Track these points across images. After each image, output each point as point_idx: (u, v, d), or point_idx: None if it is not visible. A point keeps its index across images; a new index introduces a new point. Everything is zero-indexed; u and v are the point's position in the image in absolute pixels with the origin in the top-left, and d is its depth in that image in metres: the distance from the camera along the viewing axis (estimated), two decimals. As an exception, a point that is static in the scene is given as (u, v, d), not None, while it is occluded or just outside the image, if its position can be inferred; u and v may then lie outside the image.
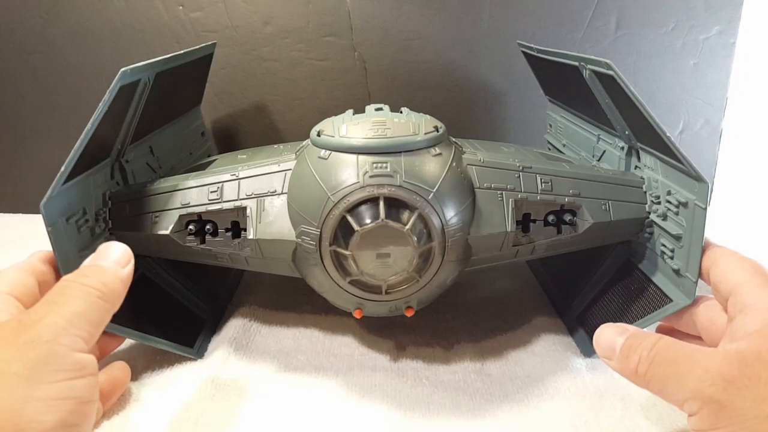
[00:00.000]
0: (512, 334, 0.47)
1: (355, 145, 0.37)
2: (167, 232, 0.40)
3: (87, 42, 0.68)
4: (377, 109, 0.42)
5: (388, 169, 0.36)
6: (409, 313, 0.41)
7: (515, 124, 0.71)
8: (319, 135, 0.39)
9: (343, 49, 0.68)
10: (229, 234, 0.40)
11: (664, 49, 0.67)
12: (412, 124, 0.38)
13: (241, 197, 0.40)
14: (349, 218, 0.35)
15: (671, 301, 0.38)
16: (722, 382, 0.27)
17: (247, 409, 0.38)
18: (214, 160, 0.52)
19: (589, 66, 0.41)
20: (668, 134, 0.35)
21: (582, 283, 0.48)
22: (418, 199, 0.36)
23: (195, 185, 0.41)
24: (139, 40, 0.68)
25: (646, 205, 0.41)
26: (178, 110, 0.57)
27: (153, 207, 0.41)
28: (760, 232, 0.69)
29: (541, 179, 0.40)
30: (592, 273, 0.47)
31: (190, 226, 0.40)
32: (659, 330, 0.40)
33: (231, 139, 0.73)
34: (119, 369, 0.38)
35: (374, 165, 0.36)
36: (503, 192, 0.39)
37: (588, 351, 0.43)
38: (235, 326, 0.48)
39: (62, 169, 0.33)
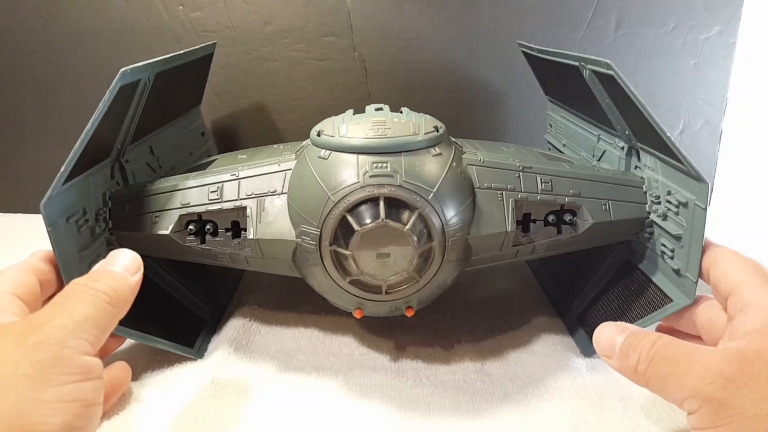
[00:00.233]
0: (512, 334, 0.47)
1: (355, 145, 0.37)
2: (167, 232, 0.40)
3: (87, 42, 0.68)
4: (377, 109, 0.42)
5: (388, 169, 0.36)
6: (409, 313, 0.41)
7: (515, 124, 0.71)
8: (319, 135, 0.39)
9: (343, 49, 0.68)
10: (229, 234, 0.40)
11: (664, 49, 0.67)
12: (412, 124, 0.38)
13: (241, 197, 0.40)
14: (349, 218, 0.35)
15: (671, 301, 0.38)
16: (722, 381, 0.27)
17: (247, 409, 0.38)
18: (214, 160, 0.52)
19: (589, 66, 0.41)
20: (668, 134, 0.35)
21: (582, 283, 0.48)
22: (418, 199, 0.36)
23: (195, 185, 0.41)
24: (139, 40, 0.68)
25: (646, 205, 0.41)
26: (178, 110, 0.57)
27: (153, 207, 0.41)
28: (760, 232, 0.69)
29: (541, 179, 0.40)
30: (592, 273, 0.47)
31: (190, 226, 0.40)
32: (659, 330, 0.40)
33: (231, 139, 0.73)
34: (120, 369, 0.38)
35: (374, 165, 0.36)
36: (503, 192, 0.39)
37: (588, 351, 0.43)
38: (235, 326, 0.48)
39: (62, 169, 0.33)
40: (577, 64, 0.44)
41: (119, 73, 0.36)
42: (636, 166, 0.44)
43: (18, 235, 0.66)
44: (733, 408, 0.26)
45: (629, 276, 0.43)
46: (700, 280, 0.36)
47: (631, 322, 0.38)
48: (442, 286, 0.40)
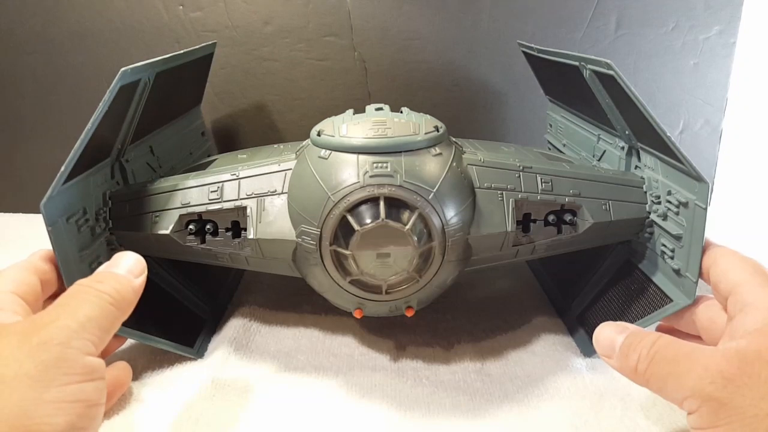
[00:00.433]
0: (512, 334, 0.47)
1: (355, 145, 0.37)
2: (167, 231, 0.40)
3: (87, 42, 0.68)
4: (377, 109, 0.42)
5: (389, 169, 0.36)
6: (409, 313, 0.41)
7: (515, 124, 0.71)
8: (319, 135, 0.39)
9: (343, 49, 0.68)
10: (230, 234, 0.40)
11: (664, 49, 0.67)
12: (413, 124, 0.38)
13: (241, 197, 0.40)
14: (350, 218, 0.35)
15: (671, 300, 0.38)
16: (722, 380, 0.27)
17: (247, 409, 0.38)
18: (214, 159, 0.52)
19: (590, 66, 0.41)
20: (668, 134, 0.35)
21: (582, 283, 0.48)
22: (418, 198, 0.36)
23: (195, 185, 0.41)
24: (139, 40, 0.68)
25: (647, 205, 0.41)
26: (178, 110, 0.57)
27: (153, 207, 0.41)
28: (760, 232, 0.69)
29: (541, 179, 0.40)
30: (592, 273, 0.47)
31: (191, 226, 0.40)
32: (659, 329, 0.40)
33: (231, 139, 0.73)
34: (121, 369, 0.38)
35: (374, 165, 0.36)
36: (503, 192, 0.39)
37: (588, 351, 0.43)
38: (235, 326, 0.48)
39: (62, 168, 0.33)
40: (577, 64, 0.44)
41: (119, 73, 0.36)
42: (636, 166, 0.44)
43: (18, 235, 0.66)
44: (733, 408, 0.26)
45: (629, 276, 0.43)
46: (700, 280, 0.36)
47: (631, 322, 0.38)
48: (442, 286, 0.40)
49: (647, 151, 0.41)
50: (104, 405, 0.28)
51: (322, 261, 0.37)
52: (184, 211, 0.40)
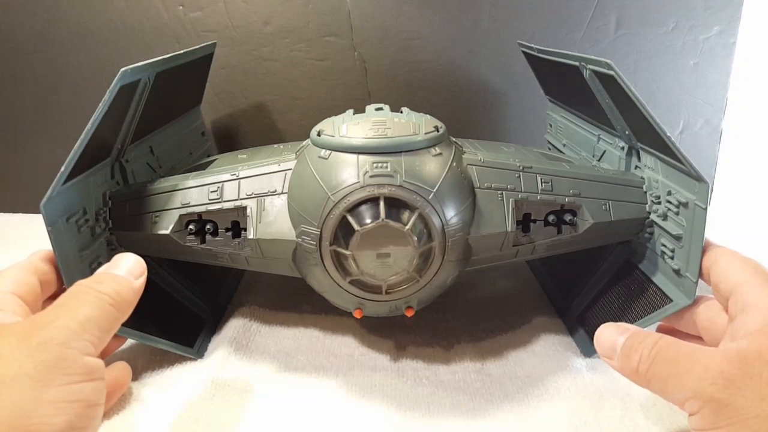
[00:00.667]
0: (512, 334, 0.47)
1: (355, 145, 0.37)
2: (167, 231, 0.40)
3: (87, 42, 0.68)
4: (377, 109, 0.42)
5: (389, 169, 0.36)
6: (409, 313, 0.41)
7: (515, 124, 0.71)
8: (319, 135, 0.39)
9: (343, 49, 0.68)
10: (229, 234, 0.40)
11: (664, 49, 0.67)
12: (413, 124, 0.38)
13: (241, 197, 0.40)
14: (350, 218, 0.35)
15: (671, 301, 0.38)
16: (723, 381, 0.27)
17: (247, 409, 0.38)
18: (214, 160, 0.52)
19: (590, 66, 0.41)
20: (668, 134, 0.35)
21: (582, 283, 0.48)
22: (418, 198, 0.36)
23: (195, 185, 0.41)
24: (139, 40, 0.68)
25: (647, 205, 0.41)
26: (178, 110, 0.57)
27: (153, 207, 0.41)
28: (760, 232, 0.69)
29: (541, 179, 0.40)
30: (592, 273, 0.47)
31: (191, 226, 0.40)
32: (659, 330, 0.40)
33: (231, 139, 0.73)
34: (121, 369, 0.38)
35: (374, 165, 0.36)
36: (503, 192, 0.39)
37: (588, 351, 0.43)
38: (235, 326, 0.48)
39: (62, 169, 0.33)
40: (577, 64, 0.44)
41: (119, 73, 0.36)
42: (636, 166, 0.44)
43: (18, 235, 0.66)
44: (734, 409, 0.26)
45: (629, 276, 0.43)
46: (700, 280, 0.36)
47: (631, 322, 0.38)
48: (442, 286, 0.40)
49: (647, 151, 0.41)
50: (104, 405, 0.28)
51: (322, 261, 0.37)
52: (184, 211, 0.40)
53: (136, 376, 0.40)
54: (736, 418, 0.26)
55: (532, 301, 0.53)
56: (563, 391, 0.40)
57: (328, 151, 0.37)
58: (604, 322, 0.34)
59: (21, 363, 0.26)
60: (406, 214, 0.36)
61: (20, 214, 0.75)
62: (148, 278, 0.34)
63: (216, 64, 0.64)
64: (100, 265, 0.34)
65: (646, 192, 0.41)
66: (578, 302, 0.48)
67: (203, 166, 0.48)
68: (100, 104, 0.35)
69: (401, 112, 0.41)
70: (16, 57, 0.69)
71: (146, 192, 0.41)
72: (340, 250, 0.36)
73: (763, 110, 0.70)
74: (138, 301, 0.32)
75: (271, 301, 0.52)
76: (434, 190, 0.36)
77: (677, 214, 0.37)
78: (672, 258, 0.38)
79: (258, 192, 0.40)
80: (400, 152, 0.37)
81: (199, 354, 0.44)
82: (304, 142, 0.41)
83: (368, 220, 0.35)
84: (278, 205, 0.39)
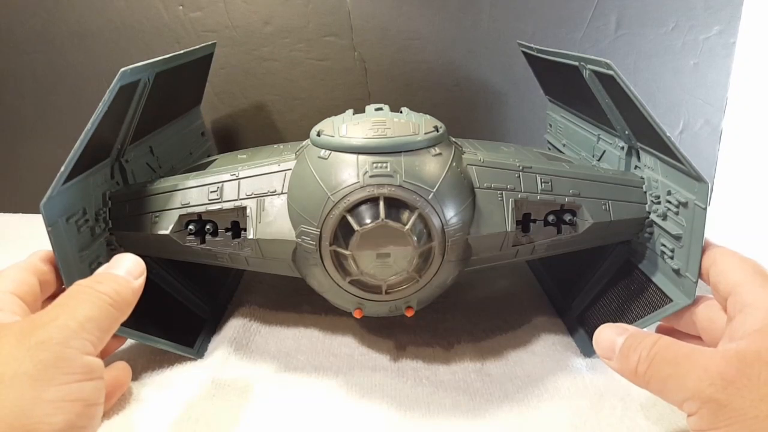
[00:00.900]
0: (512, 334, 0.47)
1: (355, 145, 0.37)
2: (167, 232, 0.40)
3: (87, 42, 0.68)
4: (377, 109, 0.42)
5: (388, 169, 0.36)
6: (409, 313, 0.41)
7: (515, 124, 0.71)
8: (319, 135, 0.39)
9: (343, 49, 0.68)
10: (229, 234, 0.40)
11: (664, 49, 0.67)
12: (412, 124, 0.38)
13: (241, 197, 0.40)
14: (349, 218, 0.35)
15: (671, 301, 0.38)
16: (721, 382, 0.27)
17: (247, 409, 0.38)
18: (214, 160, 0.52)
19: (589, 66, 0.41)
20: (668, 134, 0.35)
21: (582, 283, 0.48)
22: (418, 199, 0.36)
23: (195, 185, 0.41)
24: (139, 40, 0.68)
25: (646, 205, 0.41)
26: (178, 110, 0.57)
27: (153, 207, 0.41)
28: (760, 232, 0.69)
29: (541, 179, 0.40)
30: (592, 273, 0.47)
31: (190, 226, 0.40)
32: (659, 330, 0.40)
33: (231, 139, 0.73)
34: (120, 369, 0.38)
35: (374, 165, 0.36)
36: (503, 192, 0.39)
37: (588, 351, 0.43)
38: (235, 326, 0.48)
39: (62, 169, 0.33)
40: (577, 64, 0.44)
41: (119, 73, 0.36)
42: (636, 166, 0.44)
43: (18, 235, 0.66)
44: (733, 410, 0.26)
45: (629, 276, 0.43)
46: (699, 280, 0.36)
47: (631, 322, 0.38)
48: (442, 286, 0.40)
49: (647, 151, 0.41)
50: (103, 405, 0.28)
51: (322, 261, 0.37)
52: (183, 211, 0.40)
53: (136, 376, 0.41)
54: (734, 418, 0.26)
55: (532, 301, 0.53)
56: (563, 391, 0.40)
57: (328, 151, 0.37)
58: (604, 322, 0.34)
59: (20, 362, 0.26)
60: (405, 214, 0.36)
61: (20, 214, 0.75)
62: (148, 278, 0.34)
63: (216, 64, 0.64)
64: (99, 265, 0.34)
65: (645, 192, 0.41)
66: (578, 302, 0.48)
67: (203, 166, 0.48)
68: (100, 104, 0.35)
69: (401, 112, 0.41)
70: (16, 57, 0.69)
71: (146, 192, 0.41)
72: (339, 250, 0.36)
73: (763, 110, 0.70)
74: (138, 301, 0.32)
75: (271, 301, 0.52)
76: (434, 190, 0.36)
77: (677, 214, 0.37)
78: (672, 258, 0.38)
79: (258, 192, 0.40)
80: (400, 152, 0.37)
81: (199, 354, 0.44)
82: (304, 142, 0.41)
83: (368, 220, 0.35)
84: (278, 206, 0.39)
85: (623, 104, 0.39)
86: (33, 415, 0.25)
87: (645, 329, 0.33)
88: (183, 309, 0.47)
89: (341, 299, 0.40)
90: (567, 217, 0.41)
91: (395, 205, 0.36)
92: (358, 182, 0.36)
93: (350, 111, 0.42)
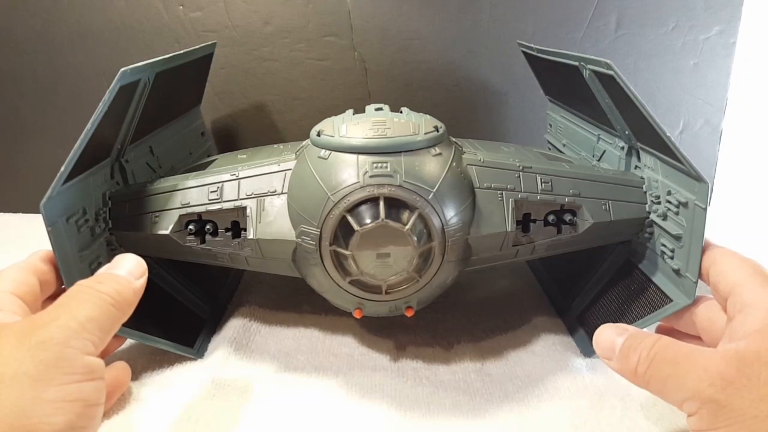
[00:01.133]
0: (512, 334, 0.47)
1: (355, 145, 0.37)
2: (167, 232, 0.40)
3: (87, 42, 0.68)
4: (377, 109, 0.42)
5: (388, 169, 0.36)
6: (409, 313, 0.41)
7: (515, 124, 0.71)
8: (319, 135, 0.39)
9: (343, 49, 0.68)
10: (229, 234, 0.40)
11: (664, 49, 0.67)
12: (412, 124, 0.38)
13: (241, 197, 0.40)
14: (349, 218, 0.35)
15: (671, 301, 0.38)
16: (721, 382, 0.27)
17: (247, 409, 0.38)
18: (214, 160, 0.52)
19: (589, 66, 0.41)
20: (668, 134, 0.35)
21: (582, 283, 0.48)
22: (418, 199, 0.36)
23: (195, 185, 0.41)
24: (139, 40, 0.68)
25: (646, 205, 0.41)
26: (178, 110, 0.57)
27: (153, 207, 0.41)
28: (760, 232, 0.69)
29: (541, 179, 0.40)
30: (592, 273, 0.47)
31: (190, 226, 0.40)
32: (659, 330, 0.40)
33: (231, 139, 0.73)
34: (120, 369, 0.38)
35: (374, 165, 0.36)
36: (503, 192, 0.39)
37: (588, 351, 0.43)
38: (235, 326, 0.48)
39: (62, 169, 0.33)
40: (577, 64, 0.44)
41: (119, 73, 0.36)
42: (636, 166, 0.44)
43: (18, 235, 0.66)
44: (732, 410, 0.26)
45: (629, 276, 0.43)
46: (699, 280, 0.36)
47: (631, 322, 0.38)
48: (442, 286, 0.40)
49: (647, 151, 0.41)
50: (103, 405, 0.28)
51: (322, 261, 0.37)
52: (183, 211, 0.40)
53: (136, 376, 0.41)
54: (734, 418, 0.26)
55: (532, 301, 0.53)
56: (563, 391, 0.40)
57: (328, 151, 0.37)
58: (604, 322, 0.34)
59: (21, 362, 0.26)
60: (405, 214, 0.36)
61: (20, 214, 0.75)
62: (148, 278, 0.34)
63: (216, 64, 0.64)
64: (99, 265, 0.34)
65: (645, 192, 0.41)
66: (578, 302, 0.48)
67: (203, 166, 0.48)
68: (100, 104, 0.35)
69: (401, 112, 0.41)
70: (16, 57, 0.69)
71: (146, 192, 0.41)
72: (340, 250, 0.36)
73: (763, 110, 0.70)
74: (138, 301, 0.32)
75: (271, 301, 0.52)
76: (434, 190, 0.36)
77: (677, 214, 0.37)
78: (672, 258, 0.38)
79: (258, 192, 0.40)
80: (400, 152, 0.37)
81: (199, 354, 0.44)
82: (304, 142, 0.41)
83: (368, 220, 0.35)
84: (278, 206, 0.39)
85: (623, 104, 0.39)
86: (33, 416, 0.25)
87: (645, 329, 0.33)
88: (183, 309, 0.47)
89: (341, 299, 0.40)
90: (567, 217, 0.41)
91: (395, 205, 0.36)
92: (358, 182, 0.36)
93: (350, 111, 0.42)
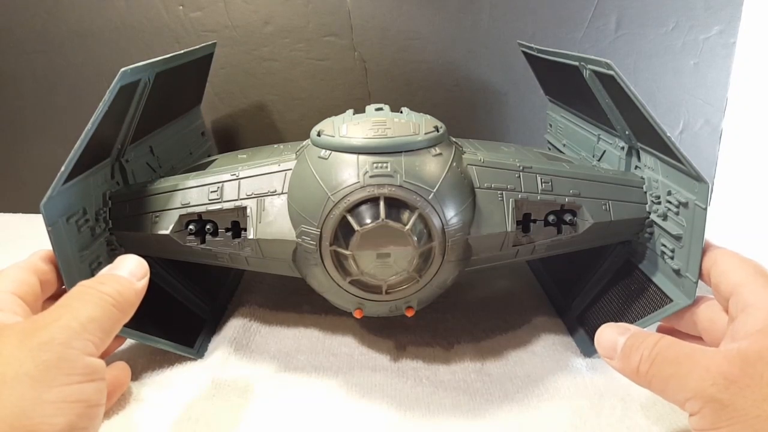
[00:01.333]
0: (512, 334, 0.47)
1: (355, 145, 0.37)
2: (167, 232, 0.40)
3: (87, 42, 0.68)
4: (377, 109, 0.42)
5: (389, 169, 0.36)
6: (410, 313, 0.41)
7: (515, 124, 0.71)
8: (319, 135, 0.39)
9: (343, 49, 0.68)
10: (229, 234, 0.40)
11: (664, 49, 0.67)
12: (413, 124, 0.38)
13: (241, 197, 0.40)
14: (350, 218, 0.35)
15: (671, 301, 0.38)
16: (723, 382, 0.27)
17: (247, 409, 0.38)
18: (214, 160, 0.52)
19: (590, 66, 0.41)
20: (668, 134, 0.35)
21: (582, 283, 0.48)
22: (418, 199, 0.36)
23: (195, 185, 0.41)
24: (139, 40, 0.68)
25: (647, 205, 0.41)
26: (178, 110, 0.57)
27: (153, 207, 0.41)
28: (760, 232, 0.69)
29: (541, 179, 0.40)
30: (592, 273, 0.47)
31: (190, 226, 0.40)
32: (659, 330, 0.40)
33: (231, 139, 0.73)
34: (120, 369, 0.38)
35: (374, 165, 0.36)
36: (503, 192, 0.39)
37: (588, 351, 0.43)
38: (235, 326, 0.48)
39: (62, 169, 0.33)
40: (577, 64, 0.44)
41: (119, 73, 0.36)
42: (636, 166, 0.44)
43: (18, 235, 0.66)
44: (735, 409, 0.26)
45: (629, 276, 0.43)
46: (699, 280, 0.36)
47: (631, 322, 0.38)
48: (442, 286, 0.40)
49: (647, 151, 0.41)
50: (104, 405, 0.28)
51: (322, 261, 0.37)
52: (184, 211, 0.40)
53: (136, 376, 0.40)
54: (736, 418, 0.26)
55: (532, 301, 0.53)
56: (563, 391, 0.40)
57: (328, 151, 0.37)
58: (604, 322, 0.34)
59: (22, 363, 0.26)
60: (406, 214, 0.36)
61: (20, 214, 0.75)
62: (149, 278, 0.34)
63: (216, 64, 0.64)
64: (100, 265, 0.34)
65: (646, 192, 0.41)
66: (578, 302, 0.48)
67: (203, 166, 0.48)
68: (100, 104, 0.35)
69: (401, 112, 0.41)
70: (16, 57, 0.69)
71: (146, 192, 0.41)
72: (340, 250, 0.36)
73: (763, 110, 0.70)
74: (140, 302, 0.32)
75: (271, 301, 0.52)
76: (434, 190, 0.36)
77: (677, 214, 0.37)
78: (672, 258, 0.38)
79: (258, 192, 0.40)
80: (400, 152, 0.37)
81: (199, 354, 0.44)
82: (304, 142, 0.41)
83: (368, 220, 0.35)
84: (278, 206, 0.39)
85: (623, 104, 0.39)
86: (34, 416, 0.25)
87: (646, 329, 0.33)
88: (183, 309, 0.47)
89: (341, 299, 0.40)
90: (567, 217, 0.41)
91: (395, 205, 0.36)
92: (359, 182, 0.36)
93: (350, 111, 0.42)
